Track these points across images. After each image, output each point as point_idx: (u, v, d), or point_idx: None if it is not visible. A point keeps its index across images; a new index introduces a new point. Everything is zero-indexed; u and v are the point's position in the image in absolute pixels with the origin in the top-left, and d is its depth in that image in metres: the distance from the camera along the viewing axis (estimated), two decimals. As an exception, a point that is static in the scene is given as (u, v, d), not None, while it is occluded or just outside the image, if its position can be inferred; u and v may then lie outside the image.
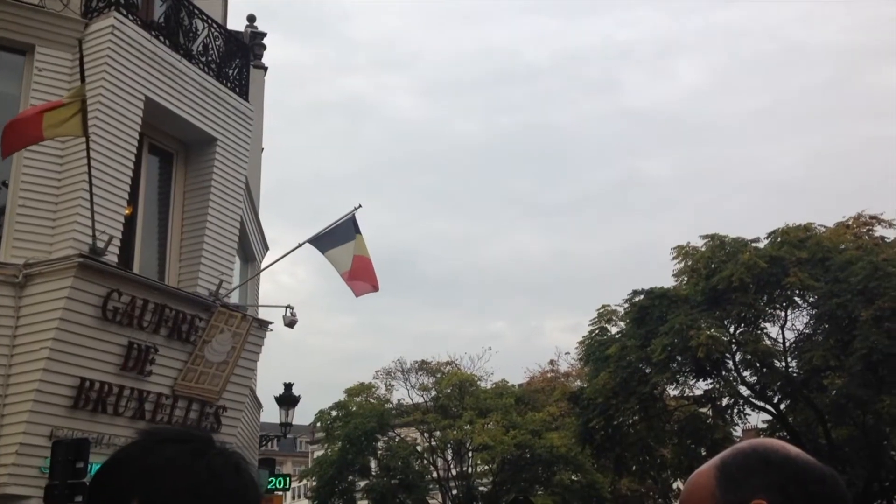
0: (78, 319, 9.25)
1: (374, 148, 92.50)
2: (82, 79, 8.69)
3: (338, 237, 11.58)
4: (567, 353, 38.85)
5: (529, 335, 68.41)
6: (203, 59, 11.53)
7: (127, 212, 10.39)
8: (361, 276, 11.42)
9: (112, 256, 9.74)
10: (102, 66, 9.97)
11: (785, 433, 23.68)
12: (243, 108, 12.16)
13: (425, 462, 37.04)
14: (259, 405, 15.69)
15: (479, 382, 39.36)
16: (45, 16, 10.22)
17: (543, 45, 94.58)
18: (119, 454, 1.22)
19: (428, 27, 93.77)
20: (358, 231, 11.54)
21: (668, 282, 24.65)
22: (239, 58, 12.29)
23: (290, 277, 79.41)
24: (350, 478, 36.47)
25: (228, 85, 11.92)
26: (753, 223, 74.02)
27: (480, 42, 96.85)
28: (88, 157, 9.04)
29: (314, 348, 77.48)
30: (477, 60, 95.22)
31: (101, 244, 9.46)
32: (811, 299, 22.22)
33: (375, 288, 11.61)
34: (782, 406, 23.19)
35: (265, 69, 16.66)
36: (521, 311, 72.23)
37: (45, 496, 8.29)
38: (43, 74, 10.07)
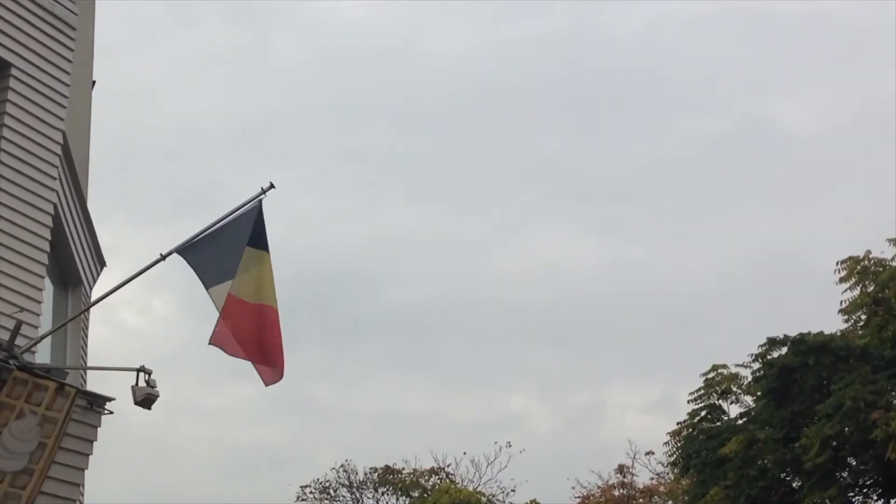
0: None
1: (291, 81, 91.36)
2: None
3: (233, 252, 11.57)
4: (649, 453, 38.89)
5: (579, 419, 68.07)
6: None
7: None
8: (258, 346, 11.49)
9: None
10: None
11: None
12: (60, 9, 12.16)
13: None
14: (90, 549, 15.63)
15: (489, 506, 39.35)
16: None
17: None
18: None
19: None
20: (261, 244, 11.51)
21: (833, 323, 24.74)
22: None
23: (140, 316, 78.05)
24: None
25: (33, -33, 11.94)
26: None
27: None
28: None
29: (190, 444, 76.43)
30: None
31: None
32: None
33: (279, 371, 11.67)
34: None
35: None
36: (559, 374, 71.53)
37: None
38: None
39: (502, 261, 76.98)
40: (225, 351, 11.51)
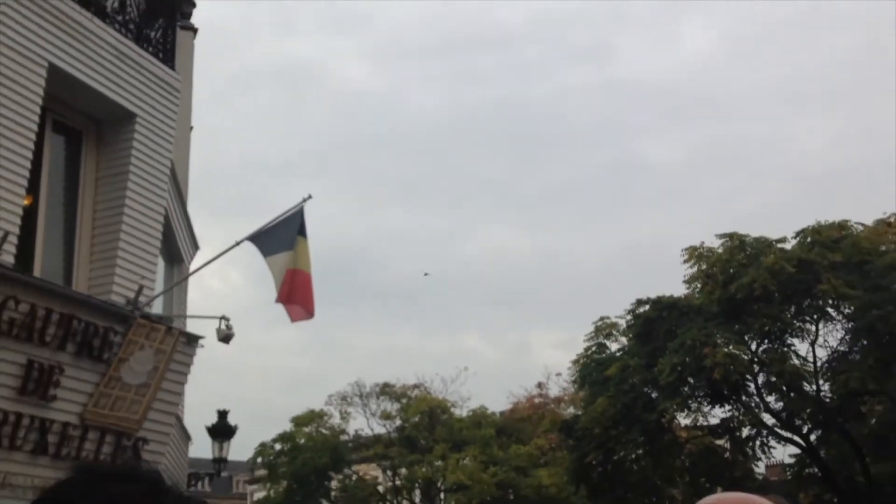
0: (-35, 333, 9.12)
1: (317, 125, 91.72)
2: (-28, 40, 8.60)
3: (283, 237, 11.63)
4: (558, 375, 39.09)
5: (512, 352, 68.50)
6: (119, 19, 11.45)
7: (26, 202, 10.29)
8: (296, 297, 11.51)
9: (8, 257, 9.63)
10: (-3, 25, 9.86)
11: (815, 469, 23.97)
12: (169, 77, 12.09)
13: (388, 505, 37.04)
14: (187, 437, 15.62)
15: (452, 409, 39.53)
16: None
17: (519, 5, 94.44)
18: (52, 495, 1.21)
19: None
20: (303, 232, 11.58)
21: (679, 289, 24.95)
22: (163, 17, 12.21)
23: (221, 282, 78.64)
24: (297, 525, 36.37)
25: (150, 49, 11.85)
26: (779, 219, 74.56)
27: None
28: (-21, 136, 8.94)
29: (253, 369, 76.94)
30: (440, 21, 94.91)
31: (-6, 241, 9.36)
32: (847, 311, 22.53)
33: (310, 313, 11.66)
34: (813, 437, 23.47)
35: (194, 31, 16.59)
36: (500, 323, 72.24)
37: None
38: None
39: (463, 248, 78.03)
40: (293, 318, 11.63)
